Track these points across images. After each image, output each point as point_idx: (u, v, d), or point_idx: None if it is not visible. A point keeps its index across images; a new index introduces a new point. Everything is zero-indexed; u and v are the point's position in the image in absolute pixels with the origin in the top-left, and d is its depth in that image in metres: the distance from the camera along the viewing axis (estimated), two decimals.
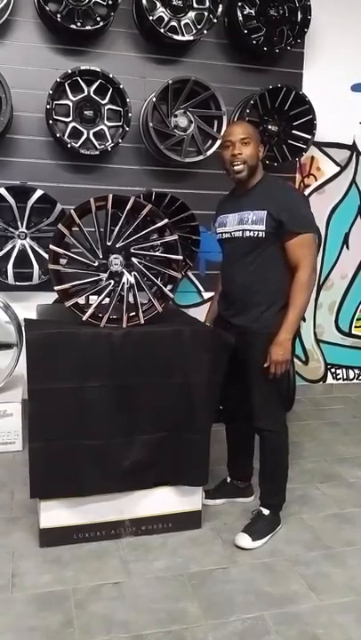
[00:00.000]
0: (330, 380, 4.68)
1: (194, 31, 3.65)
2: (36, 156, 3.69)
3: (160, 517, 2.49)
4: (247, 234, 2.36)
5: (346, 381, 4.72)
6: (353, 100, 4.33)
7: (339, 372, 4.69)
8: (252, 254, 2.38)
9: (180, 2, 3.59)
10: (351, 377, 4.73)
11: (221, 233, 2.51)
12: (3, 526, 2.53)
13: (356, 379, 4.75)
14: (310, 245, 2.33)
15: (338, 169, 4.41)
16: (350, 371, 4.73)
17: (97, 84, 3.51)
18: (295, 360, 4.34)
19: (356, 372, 4.74)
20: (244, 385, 2.46)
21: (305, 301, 2.33)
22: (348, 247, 4.54)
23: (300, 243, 2.31)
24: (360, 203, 4.51)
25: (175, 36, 3.59)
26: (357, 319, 4.67)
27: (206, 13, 3.64)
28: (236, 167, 2.34)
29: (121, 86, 3.48)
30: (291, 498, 2.72)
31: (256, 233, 2.34)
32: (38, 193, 3.49)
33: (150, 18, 3.51)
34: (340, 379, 4.70)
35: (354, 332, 4.69)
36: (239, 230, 2.39)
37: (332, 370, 4.68)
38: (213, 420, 2.48)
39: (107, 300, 2.34)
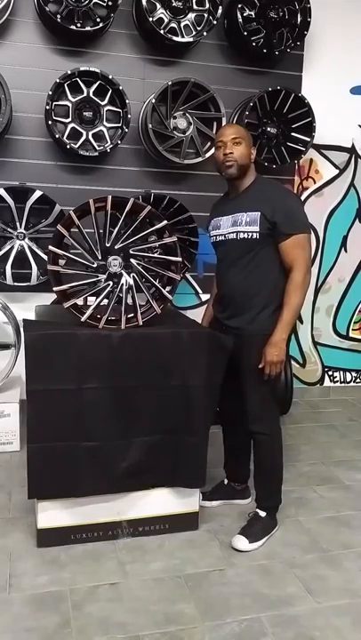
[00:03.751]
0: (327, 382, 4.69)
1: (193, 33, 3.64)
2: (35, 156, 3.69)
3: (157, 519, 2.49)
4: (241, 235, 2.37)
5: (343, 384, 4.72)
6: (352, 103, 4.33)
7: (336, 374, 4.70)
8: (246, 256, 2.38)
9: (180, 3, 3.59)
10: (348, 380, 4.74)
11: (215, 236, 2.51)
12: (0, 527, 2.53)
13: (354, 381, 4.76)
14: (304, 246, 2.33)
15: (337, 172, 4.41)
16: (348, 373, 4.73)
17: (96, 85, 3.52)
18: (292, 362, 4.34)
19: (354, 374, 4.75)
20: (240, 387, 2.46)
21: (300, 301, 2.33)
22: (345, 250, 4.54)
23: (295, 244, 2.31)
24: (358, 206, 4.52)
25: (175, 38, 3.59)
26: (355, 322, 4.68)
27: (206, 15, 3.64)
28: (227, 163, 2.36)
29: (120, 87, 3.48)
30: (287, 500, 2.73)
31: (250, 234, 2.34)
32: (37, 194, 3.49)
33: (150, 19, 3.50)
34: (337, 381, 4.71)
35: (351, 334, 4.70)
36: (233, 232, 2.40)
37: (330, 372, 4.68)
38: (211, 422, 2.48)
39: (105, 301, 2.34)
